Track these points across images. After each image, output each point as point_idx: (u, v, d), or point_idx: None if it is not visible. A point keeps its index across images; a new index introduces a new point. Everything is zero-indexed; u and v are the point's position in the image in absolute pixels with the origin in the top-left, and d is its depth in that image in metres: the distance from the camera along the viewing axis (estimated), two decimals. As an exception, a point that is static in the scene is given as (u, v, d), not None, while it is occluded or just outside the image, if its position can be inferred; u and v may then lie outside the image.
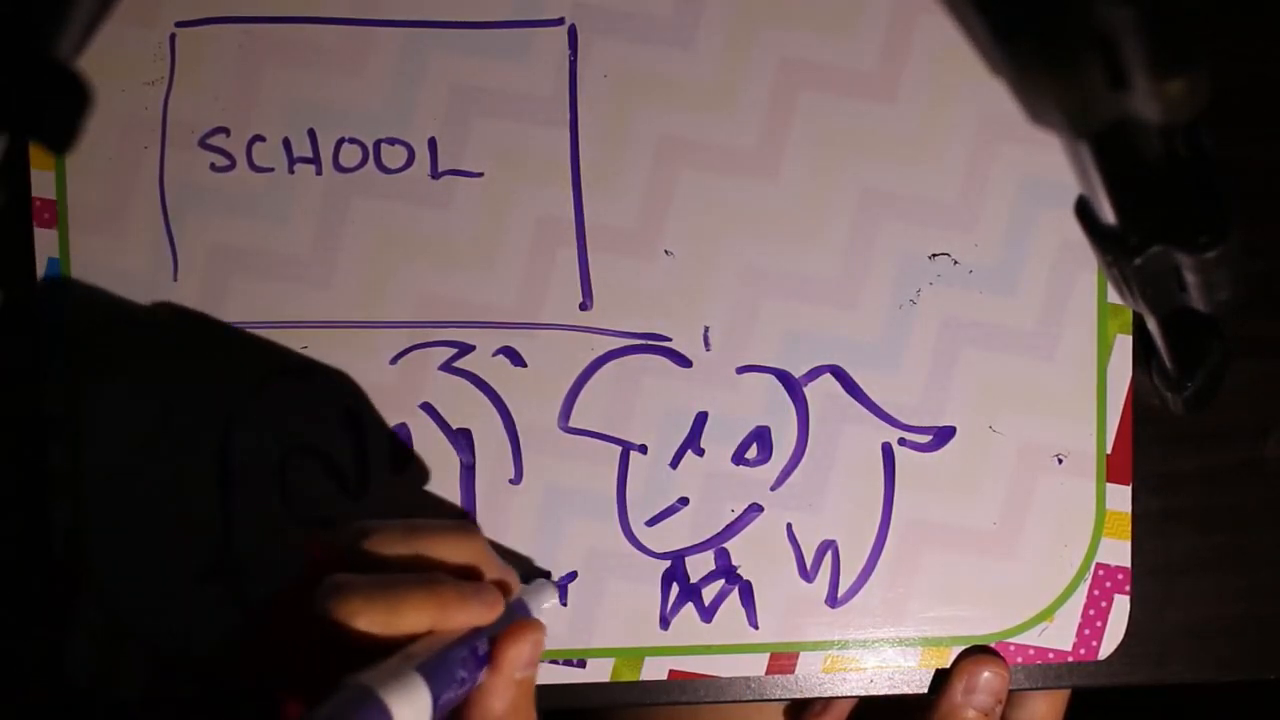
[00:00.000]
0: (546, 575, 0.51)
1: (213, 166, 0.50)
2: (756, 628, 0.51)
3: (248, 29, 0.49)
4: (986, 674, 0.51)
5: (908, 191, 0.50)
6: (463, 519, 0.50)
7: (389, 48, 0.50)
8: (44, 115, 0.27)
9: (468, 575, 0.43)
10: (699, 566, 0.51)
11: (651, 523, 0.51)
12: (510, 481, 0.51)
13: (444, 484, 0.51)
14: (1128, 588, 0.51)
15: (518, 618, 0.44)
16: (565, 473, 0.51)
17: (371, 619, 0.39)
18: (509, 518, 0.51)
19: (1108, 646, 0.51)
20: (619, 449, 0.51)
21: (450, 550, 0.43)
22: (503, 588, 0.45)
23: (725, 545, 0.51)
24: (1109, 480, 0.51)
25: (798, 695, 0.52)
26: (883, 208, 0.50)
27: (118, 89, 0.49)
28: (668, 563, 0.51)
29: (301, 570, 0.42)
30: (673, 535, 0.51)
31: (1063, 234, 0.50)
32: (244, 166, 0.50)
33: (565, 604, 0.51)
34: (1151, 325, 0.44)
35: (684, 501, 0.51)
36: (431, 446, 0.51)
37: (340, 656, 0.38)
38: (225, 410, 0.50)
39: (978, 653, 0.51)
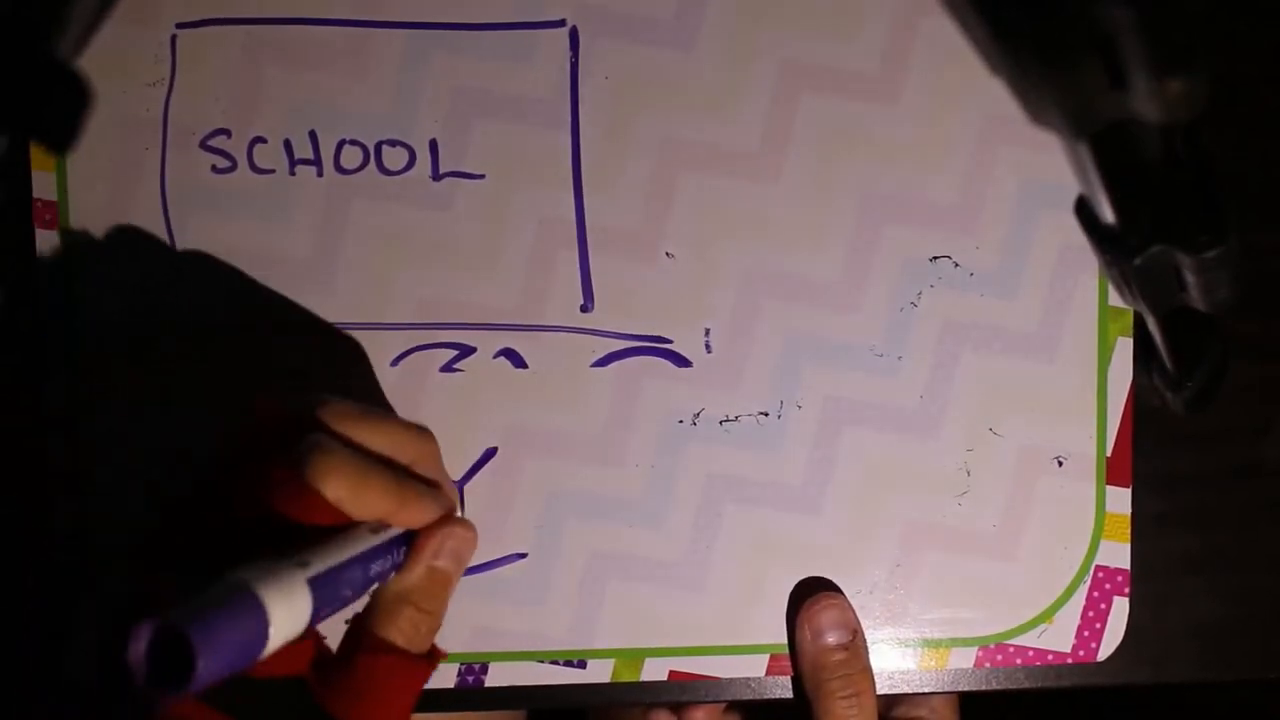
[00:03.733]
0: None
1: (214, 168, 0.50)
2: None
3: (249, 30, 0.50)
4: (823, 611, 0.50)
5: (908, 194, 0.50)
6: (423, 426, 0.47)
7: (390, 49, 0.50)
8: (44, 115, 0.27)
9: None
10: (699, 566, 0.51)
11: (652, 523, 0.51)
12: (512, 483, 0.51)
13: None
14: (1127, 590, 0.51)
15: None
16: (567, 474, 0.51)
17: (341, 488, 0.37)
18: (511, 519, 0.51)
19: (1107, 648, 0.51)
20: (620, 450, 0.51)
21: (405, 447, 0.42)
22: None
23: (724, 546, 0.51)
24: (1109, 483, 0.51)
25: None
26: (883, 210, 0.50)
27: (119, 90, 0.49)
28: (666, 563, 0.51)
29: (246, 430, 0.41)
30: (674, 535, 0.51)
31: (1064, 237, 0.50)
32: (245, 168, 0.50)
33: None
34: (1151, 325, 0.44)
35: (684, 502, 0.51)
36: (432, 448, 0.51)
37: (265, 530, 0.37)
38: (226, 411, 0.50)
39: (809, 592, 0.51)
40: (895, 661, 0.51)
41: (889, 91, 0.50)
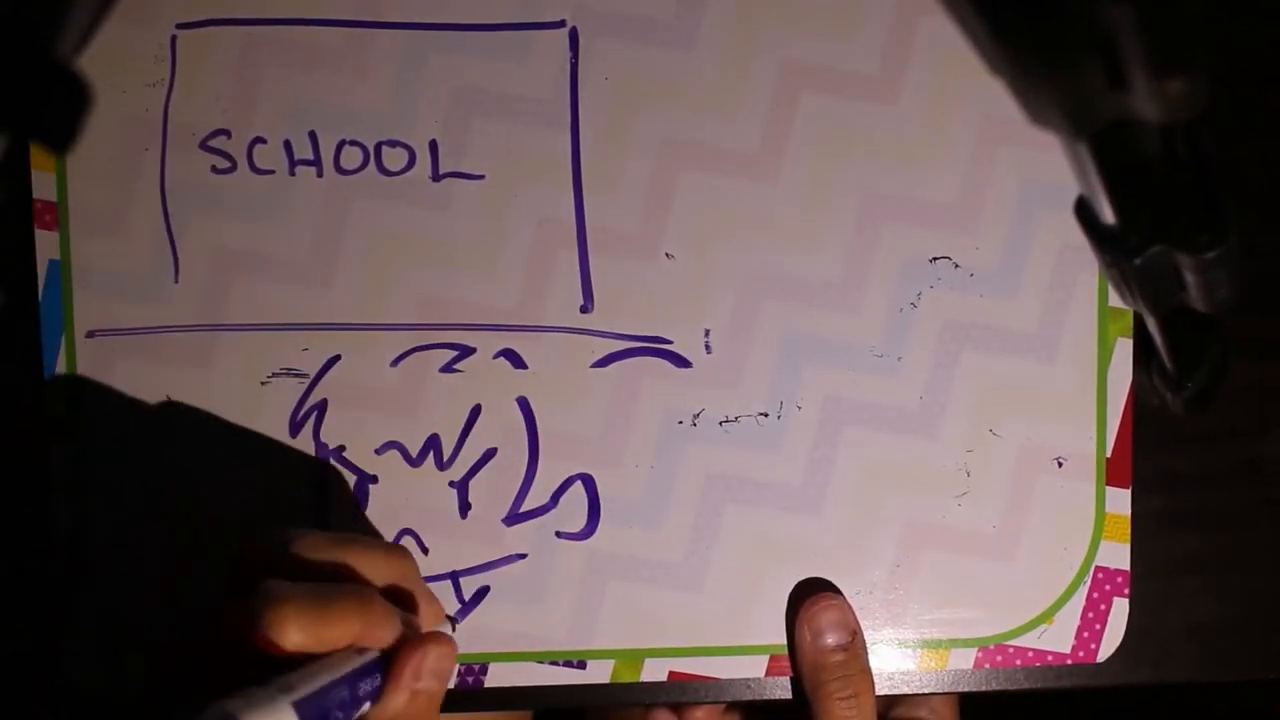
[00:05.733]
0: (449, 617, 0.51)
1: (214, 169, 0.50)
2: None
3: (249, 31, 0.50)
4: (823, 612, 0.50)
5: (908, 194, 0.50)
6: (398, 544, 0.47)
7: (390, 50, 0.50)
8: (44, 115, 0.27)
9: (395, 596, 0.43)
10: (699, 566, 0.51)
11: (652, 523, 0.51)
12: (511, 484, 0.51)
13: (445, 486, 0.51)
14: (1127, 591, 0.51)
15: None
16: (567, 475, 0.51)
17: (302, 630, 0.37)
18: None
19: (1106, 649, 0.51)
20: (621, 451, 0.51)
21: (379, 568, 0.42)
22: (426, 617, 0.44)
23: (724, 547, 0.51)
24: (1109, 483, 0.51)
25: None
26: (883, 210, 0.50)
27: (118, 90, 0.49)
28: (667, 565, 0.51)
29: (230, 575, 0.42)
30: (674, 536, 0.51)
31: (1063, 237, 0.50)
32: (245, 169, 0.50)
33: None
34: (1151, 325, 0.44)
35: (684, 503, 0.51)
36: (432, 448, 0.51)
37: (263, 666, 0.37)
38: (226, 411, 0.50)
39: (809, 593, 0.51)
40: (895, 662, 0.51)
41: (889, 91, 0.50)
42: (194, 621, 0.41)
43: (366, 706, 0.40)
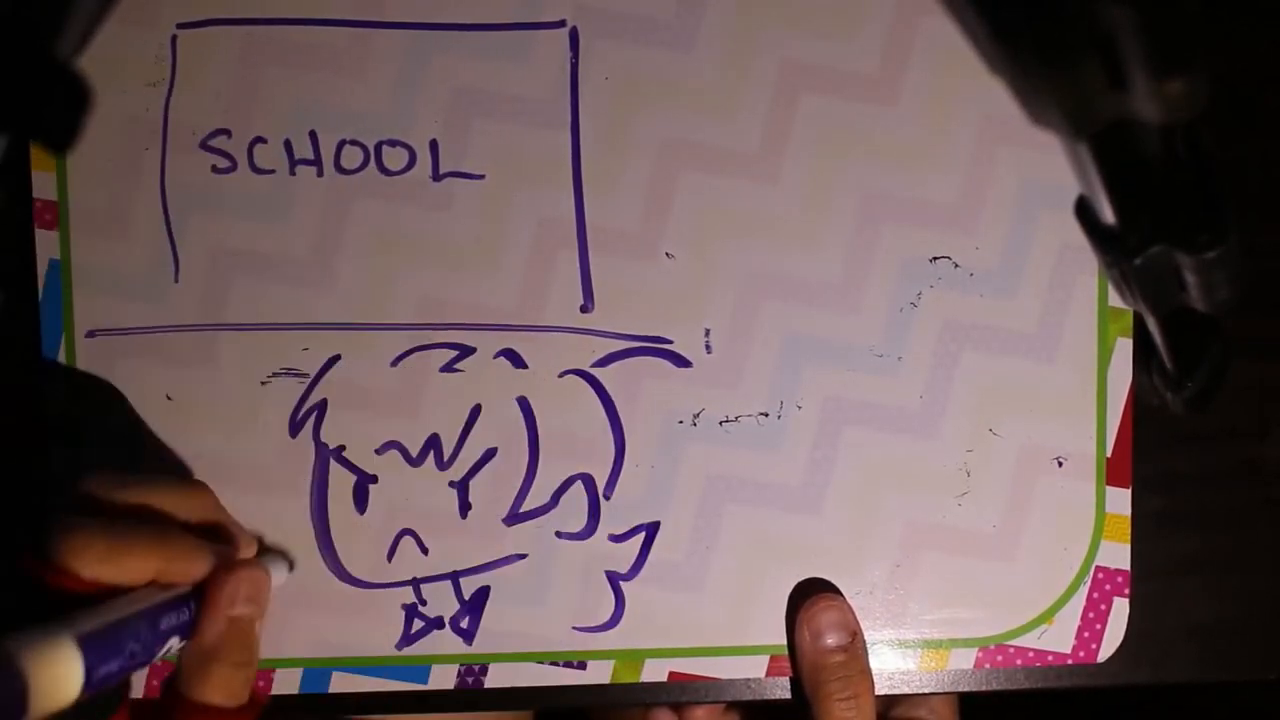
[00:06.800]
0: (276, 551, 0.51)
1: (214, 169, 0.50)
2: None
3: (249, 31, 0.50)
4: (822, 612, 0.50)
5: (908, 194, 0.50)
6: (195, 480, 0.48)
7: (391, 50, 0.50)
8: (44, 115, 0.27)
9: (204, 533, 0.43)
10: (699, 566, 0.51)
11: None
12: (511, 484, 0.51)
13: (445, 486, 0.51)
14: (1127, 590, 0.51)
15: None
16: (567, 475, 0.51)
17: (99, 560, 0.37)
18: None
19: (1107, 649, 0.51)
20: (620, 450, 0.51)
21: (179, 504, 0.42)
22: (235, 549, 0.45)
23: (724, 547, 0.51)
24: (1109, 483, 0.51)
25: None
26: (883, 210, 0.50)
27: (119, 90, 0.49)
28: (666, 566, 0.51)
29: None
30: (674, 536, 0.51)
31: (1064, 237, 0.50)
32: (245, 168, 0.50)
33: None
34: (1152, 325, 0.44)
35: (684, 503, 0.51)
36: (432, 448, 0.51)
37: (64, 604, 0.37)
38: (226, 411, 0.50)
39: (809, 593, 0.51)
40: (895, 662, 0.51)
41: (889, 92, 0.50)
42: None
43: (174, 642, 0.40)
